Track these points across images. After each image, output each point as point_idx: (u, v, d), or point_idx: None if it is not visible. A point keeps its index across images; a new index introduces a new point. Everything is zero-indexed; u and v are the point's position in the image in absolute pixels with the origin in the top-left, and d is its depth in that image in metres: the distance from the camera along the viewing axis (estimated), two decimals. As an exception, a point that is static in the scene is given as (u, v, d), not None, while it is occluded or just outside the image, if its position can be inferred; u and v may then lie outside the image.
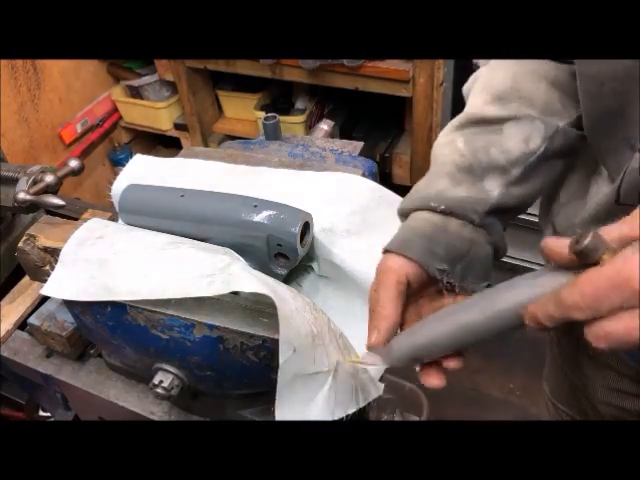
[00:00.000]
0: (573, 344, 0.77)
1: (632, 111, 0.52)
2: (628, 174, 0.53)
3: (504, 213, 0.59)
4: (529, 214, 1.69)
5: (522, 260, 1.83)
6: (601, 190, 0.62)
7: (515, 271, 1.77)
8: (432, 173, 0.61)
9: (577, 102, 0.59)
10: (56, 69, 1.99)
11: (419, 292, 0.55)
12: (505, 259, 1.81)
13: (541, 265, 1.55)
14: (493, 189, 0.57)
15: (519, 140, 0.58)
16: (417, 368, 0.53)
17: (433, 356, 0.51)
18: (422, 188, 0.60)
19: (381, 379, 0.67)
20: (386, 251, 0.56)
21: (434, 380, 0.51)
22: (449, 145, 0.61)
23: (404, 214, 0.60)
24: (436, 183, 0.59)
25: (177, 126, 2.23)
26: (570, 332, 0.77)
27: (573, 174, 0.69)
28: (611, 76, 0.51)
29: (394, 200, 0.76)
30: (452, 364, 0.51)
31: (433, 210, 0.57)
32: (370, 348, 0.53)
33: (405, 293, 0.53)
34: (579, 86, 0.57)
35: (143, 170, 0.81)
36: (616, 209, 0.55)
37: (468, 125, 0.61)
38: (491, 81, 0.63)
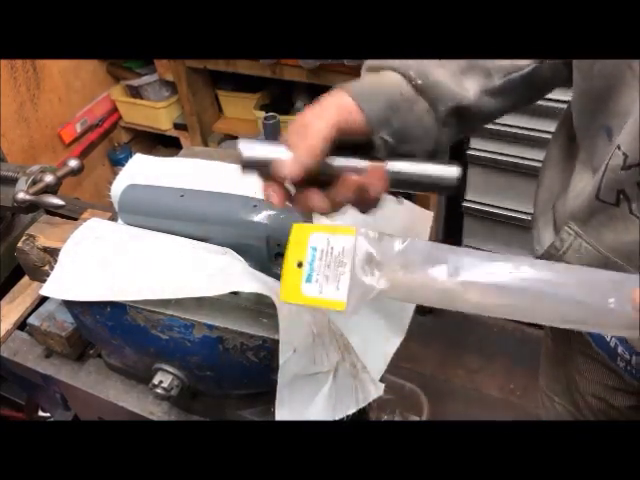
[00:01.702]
0: (566, 338, 0.78)
1: (616, 100, 0.50)
2: (609, 170, 0.51)
3: (464, 119, 0.56)
4: (521, 212, 1.69)
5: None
6: (582, 177, 0.60)
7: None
8: None
9: None
10: (56, 69, 1.99)
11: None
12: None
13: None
14: (470, 89, 0.55)
15: None
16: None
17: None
18: None
19: (381, 379, 0.67)
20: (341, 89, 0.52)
21: (275, 198, 0.49)
22: None
23: (374, 68, 0.56)
24: None
25: (177, 126, 2.23)
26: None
27: (568, 161, 0.68)
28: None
29: (393, 199, 0.76)
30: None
31: (408, 79, 0.53)
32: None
33: (332, 141, 0.49)
34: (573, 61, 0.55)
35: (143, 170, 0.81)
36: (596, 205, 0.55)
37: None
38: None
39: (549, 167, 0.71)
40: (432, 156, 0.57)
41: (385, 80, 0.54)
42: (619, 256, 0.55)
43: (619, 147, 0.49)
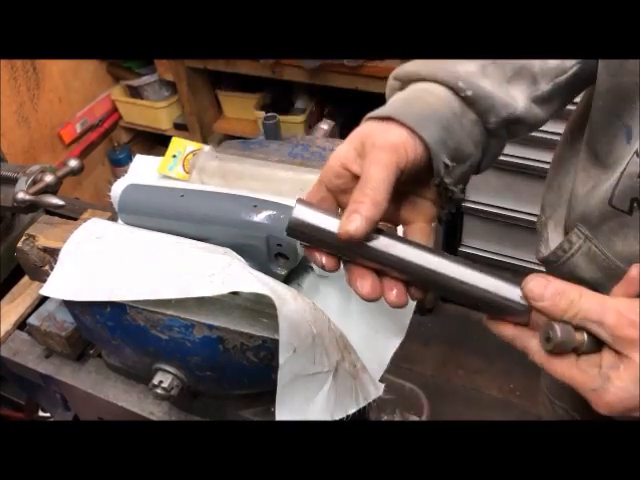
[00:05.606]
0: None
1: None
2: (626, 177, 0.50)
3: (513, 129, 0.53)
4: (521, 212, 1.69)
5: (520, 260, 1.81)
6: (589, 176, 0.58)
7: (514, 272, 1.76)
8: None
9: None
10: (56, 69, 1.99)
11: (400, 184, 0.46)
12: (505, 259, 1.80)
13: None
14: (518, 98, 0.51)
15: None
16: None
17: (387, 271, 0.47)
18: (447, 64, 0.50)
19: (381, 379, 0.67)
20: (388, 118, 0.46)
21: (393, 297, 0.47)
22: None
23: (411, 79, 0.51)
24: (464, 65, 0.50)
25: (177, 126, 2.23)
26: None
27: (577, 160, 0.65)
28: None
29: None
30: (417, 294, 0.48)
31: (456, 91, 0.48)
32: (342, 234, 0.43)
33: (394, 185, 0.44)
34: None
35: (144, 170, 0.81)
36: (608, 211, 0.53)
37: None
38: None
39: (557, 167, 0.70)
40: (477, 171, 0.54)
41: (432, 98, 0.49)
42: (628, 265, 0.52)
43: (637, 153, 0.48)
